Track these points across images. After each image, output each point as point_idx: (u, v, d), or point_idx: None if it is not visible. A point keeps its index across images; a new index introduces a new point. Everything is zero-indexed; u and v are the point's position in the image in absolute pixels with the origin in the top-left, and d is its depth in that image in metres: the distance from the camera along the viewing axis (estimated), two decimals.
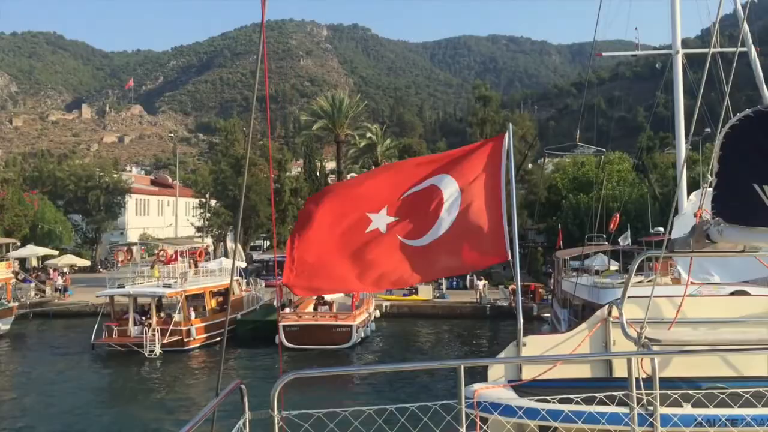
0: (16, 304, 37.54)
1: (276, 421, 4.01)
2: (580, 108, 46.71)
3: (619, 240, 30.32)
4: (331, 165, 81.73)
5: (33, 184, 59.75)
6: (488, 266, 6.29)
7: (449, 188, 6.12)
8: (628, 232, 31.76)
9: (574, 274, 28.62)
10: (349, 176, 76.21)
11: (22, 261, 51.28)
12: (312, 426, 4.29)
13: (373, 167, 65.25)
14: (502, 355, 6.02)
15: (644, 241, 29.94)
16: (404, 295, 41.83)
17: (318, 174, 67.11)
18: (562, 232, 39.95)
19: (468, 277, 45.13)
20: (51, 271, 49.45)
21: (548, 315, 33.00)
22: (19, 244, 49.88)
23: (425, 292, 41.74)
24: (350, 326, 30.40)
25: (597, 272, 30.64)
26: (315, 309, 32.75)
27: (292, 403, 4.28)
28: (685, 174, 23.97)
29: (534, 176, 55.39)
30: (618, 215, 30.49)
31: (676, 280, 17.33)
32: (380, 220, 6.02)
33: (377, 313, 36.72)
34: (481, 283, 41.35)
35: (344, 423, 4.46)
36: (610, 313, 6.07)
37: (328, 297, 34.57)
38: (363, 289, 6.11)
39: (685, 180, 21.40)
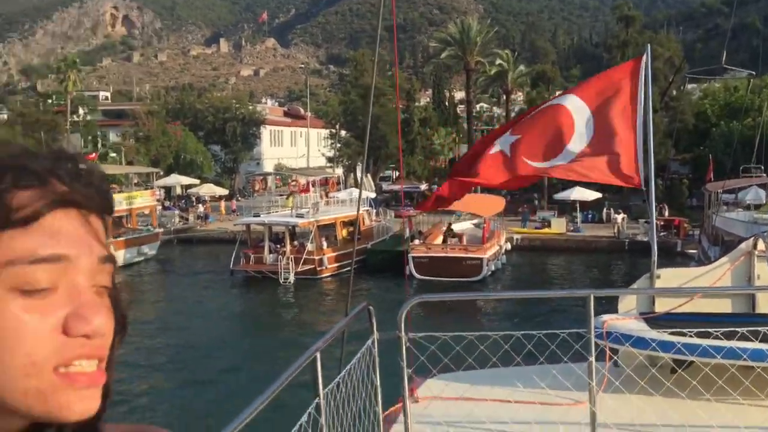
0: (162, 230, 40.42)
1: (403, 342, 4.10)
2: (731, 28, 42.73)
3: None
4: (459, 94, 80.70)
5: (176, 116, 63.29)
6: (617, 185, 5.97)
7: (580, 111, 5.83)
8: None
9: (725, 208, 26.91)
10: (478, 106, 75.04)
11: (167, 189, 55.09)
12: (438, 348, 4.36)
13: (503, 96, 63.68)
14: (635, 286, 5.79)
15: None
16: (536, 228, 41.15)
17: (447, 104, 66.51)
18: (713, 162, 37.37)
19: (605, 211, 43.64)
20: (194, 199, 52.84)
21: (694, 252, 31.36)
22: (163, 173, 53.52)
23: (558, 225, 40.81)
24: (480, 259, 30.35)
25: (749, 207, 28.64)
26: (444, 241, 32.90)
27: (417, 328, 4.35)
28: None
29: (680, 102, 51.86)
30: None
31: None
32: (504, 142, 5.88)
33: (508, 246, 36.36)
34: (619, 217, 39.81)
35: (470, 347, 4.49)
36: (755, 246, 5.66)
37: (457, 229, 34.67)
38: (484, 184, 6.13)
39: None
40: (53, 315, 0.69)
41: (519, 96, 73.41)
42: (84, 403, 0.70)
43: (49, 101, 58.38)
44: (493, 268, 31.69)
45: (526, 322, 22.16)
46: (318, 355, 3.27)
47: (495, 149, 5.82)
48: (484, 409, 4.50)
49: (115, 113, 69.90)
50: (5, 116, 66.34)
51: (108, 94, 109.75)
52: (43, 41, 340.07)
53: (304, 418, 3.14)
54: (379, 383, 4.12)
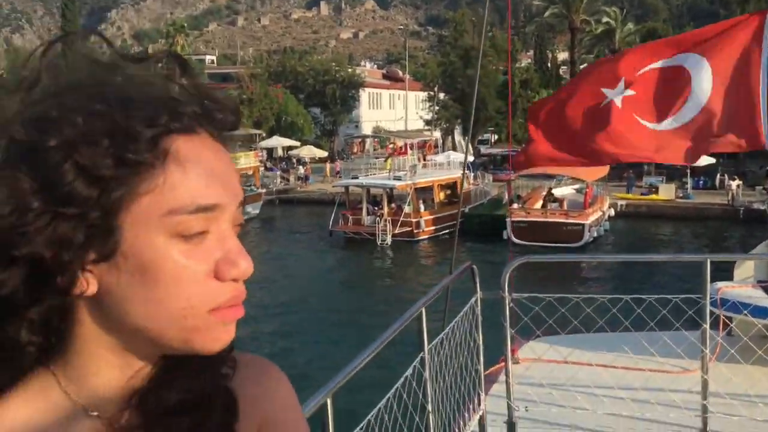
0: (264, 190, 41.65)
1: (507, 302, 4.10)
2: None
3: None
4: (562, 55, 78.07)
5: (277, 79, 64.56)
6: (738, 150, 5.53)
7: (699, 70, 5.50)
8: None
9: None
10: (581, 67, 72.40)
11: (269, 151, 56.58)
12: (541, 311, 4.32)
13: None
14: (754, 252, 5.50)
15: None
16: (642, 194, 39.61)
17: (549, 65, 64.60)
18: None
19: (718, 177, 41.45)
20: (294, 161, 54.05)
21: None
22: (265, 135, 54.87)
23: (666, 191, 39.08)
24: (582, 225, 29.60)
25: None
26: (544, 206, 32.27)
27: (517, 290, 4.32)
28: None
29: None
30: None
31: None
32: (616, 93, 5.62)
33: (611, 212, 35.24)
34: (733, 184, 37.66)
35: (574, 311, 4.42)
36: None
37: (558, 193, 33.89)
38: (587, 164, 5.79)
39: None
40: (207, 260, 0.71)
41: None
42: (228, 336, 0.75)
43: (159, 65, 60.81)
44: (595, 234, 30.86)
45: (631, 288, 21.53)
46: (423, 310, 3.32)
47: (605, 100, 5.56)
48: (588, 373, 4.44)
49: (220, 77, 72.04)
50: None
51: (214, 58, 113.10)
52: (153, 7, 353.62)
53: (409, 371, 3.21)
54: (481, 342, 4.14)
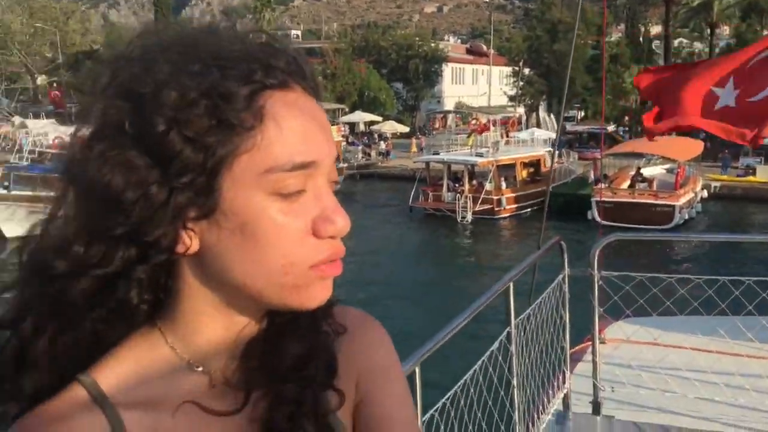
0: (346, 165, 42.03)
1: (596, 280, 4.03)
2: None
3: None
4: (656, 29, 75.01)
5: (360, 54, 64.74)
6: None
7: None
8: None
9: None
10: (676, 41, 69.27)
11: (351, 126, 56.98)
12: (632, 290, 4.22)
13: (707, 30, 58.20)
14: None
15: None
16: (738, 175, 37.82)
17: (641, 39, 62.21)
18: None
19: None
20: (376, 136, 54.28)
21: None
22: (347, 110, 55.18)
23: (765, 173, 37.16)
24: (672, 206, 28.53)
25: None
26: (632, 186, 31.28)
27: (606, 269, 4.22)
28: None
29: None
30: None
31: None
32: (728, 95, 5.34)
33: (704, 194, 33.80)
34: None
35: (666, 292, 4.29)
36: None
37: (647, 173, 32.79)
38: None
39: None
40: (305, 218, 0.73)
41: (725, 30, 66.84)
42: (326, 292, 0.76)
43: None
44: (686, 216, 29.71)
45: (727, 271, 20.69)
46: (511, 285, 3.30)
47: (719, 104, 5.30)
48: (680, 355, 4.32)
49: (305, 51, 72.66)
50: None
51: (299, 33, 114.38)
52: None
53: (495, 345, 3.21)
54: (567, 319, 4.09)
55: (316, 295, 0.75)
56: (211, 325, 0.77)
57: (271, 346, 0.79)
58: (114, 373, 0.74)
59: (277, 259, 0.72)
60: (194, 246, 0.72)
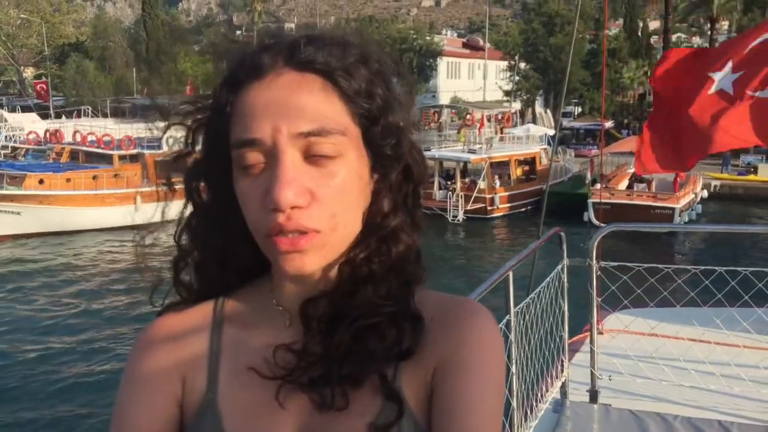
0: None
1: (594, 270, 4.16)
2: None
3: None
4: (654, 24, 75.37)
5: None
6: None
7: None
8: None
9: None
10: (674, 36, 69.49)
11: None
12: (629, 281, 4.37)
13: (706, 24, 58.44)
14: None
15: None
16: (739, 174, 37.99)
17: (640, 33, 62.48)
18: None
19: None
20: None
21: None
22: None
23: (766, 172, 37.34)
24: (672, 208, 28.47)
25: None
26: (630, 186, 31.28)
27: (606, 260, 4.36)
28: None
29: None
30: None
31: None
32: (725, 79, 5.43)
33: (704, 194, 33.88)
34: None
35: (663, 283, 4.44)
36: None
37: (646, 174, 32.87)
38: (710, 151, 5.51)
39: None
40: (257, 190, 0.85)
41: (724, 24, 67.18)
42: (289, 265, 0.87)
43: (238, 32, 62.21)
44: (686, 218, 29.72)
45: (724, 264, 20.87)
46: (511, 273, 3.43)
47: (712, 88, 5.38)
48: (676, 346, 4.47)
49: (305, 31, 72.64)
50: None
51: (292, 26, 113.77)
52: None
53: None
54: (566, 309, 4.23)
55: (282, 264, 0.87)
56: (280, 275, 0.93)
57: (332, 301, 0.91)
58: (236, 301, 1.00)
59: (249, 224, 0.89)
60: None
